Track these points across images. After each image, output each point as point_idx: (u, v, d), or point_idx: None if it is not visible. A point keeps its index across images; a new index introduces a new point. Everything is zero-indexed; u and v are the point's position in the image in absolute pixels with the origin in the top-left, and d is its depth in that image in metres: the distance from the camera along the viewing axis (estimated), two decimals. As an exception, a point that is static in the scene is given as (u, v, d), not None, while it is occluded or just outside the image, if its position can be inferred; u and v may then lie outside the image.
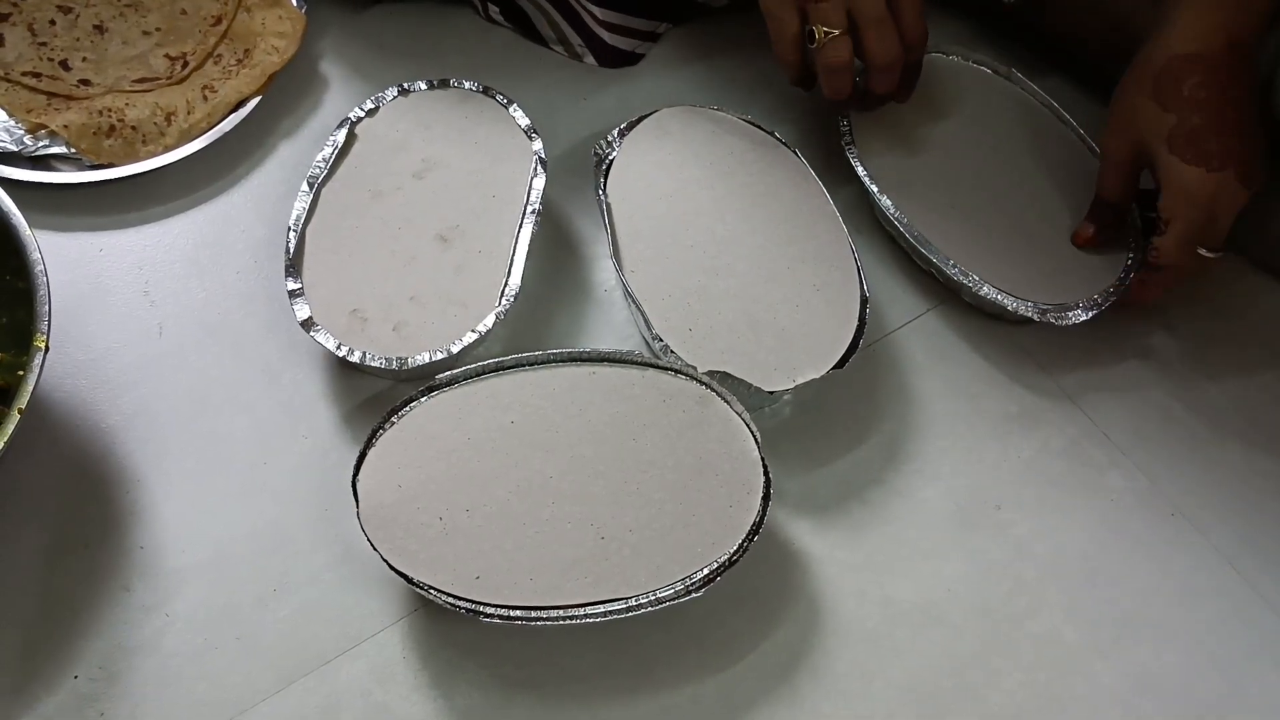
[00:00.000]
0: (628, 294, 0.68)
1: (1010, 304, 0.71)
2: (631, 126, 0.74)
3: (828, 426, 0.70)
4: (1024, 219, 0.75)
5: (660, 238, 0.70)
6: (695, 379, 0.63)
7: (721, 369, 0.64)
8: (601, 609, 0.57)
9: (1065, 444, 0.72)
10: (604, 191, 0.72)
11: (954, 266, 0.72)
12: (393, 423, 0.61)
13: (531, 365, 0.63)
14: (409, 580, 0.57)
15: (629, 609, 0.57)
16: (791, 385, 0.65)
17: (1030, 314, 0.71)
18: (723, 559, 0.59)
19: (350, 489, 0.59)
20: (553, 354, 0.63)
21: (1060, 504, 0.70)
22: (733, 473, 0.61)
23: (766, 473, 0.61)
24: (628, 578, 0.58)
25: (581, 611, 0.57)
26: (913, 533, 0.68)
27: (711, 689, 0.62)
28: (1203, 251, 0.69)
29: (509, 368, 0.63)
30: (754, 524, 0.60)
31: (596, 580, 0.58)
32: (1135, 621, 0.66)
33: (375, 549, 0.58)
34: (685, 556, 0.59)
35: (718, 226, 0.70)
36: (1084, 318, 0.71)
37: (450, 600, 0.57)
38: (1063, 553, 0.68)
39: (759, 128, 0.75)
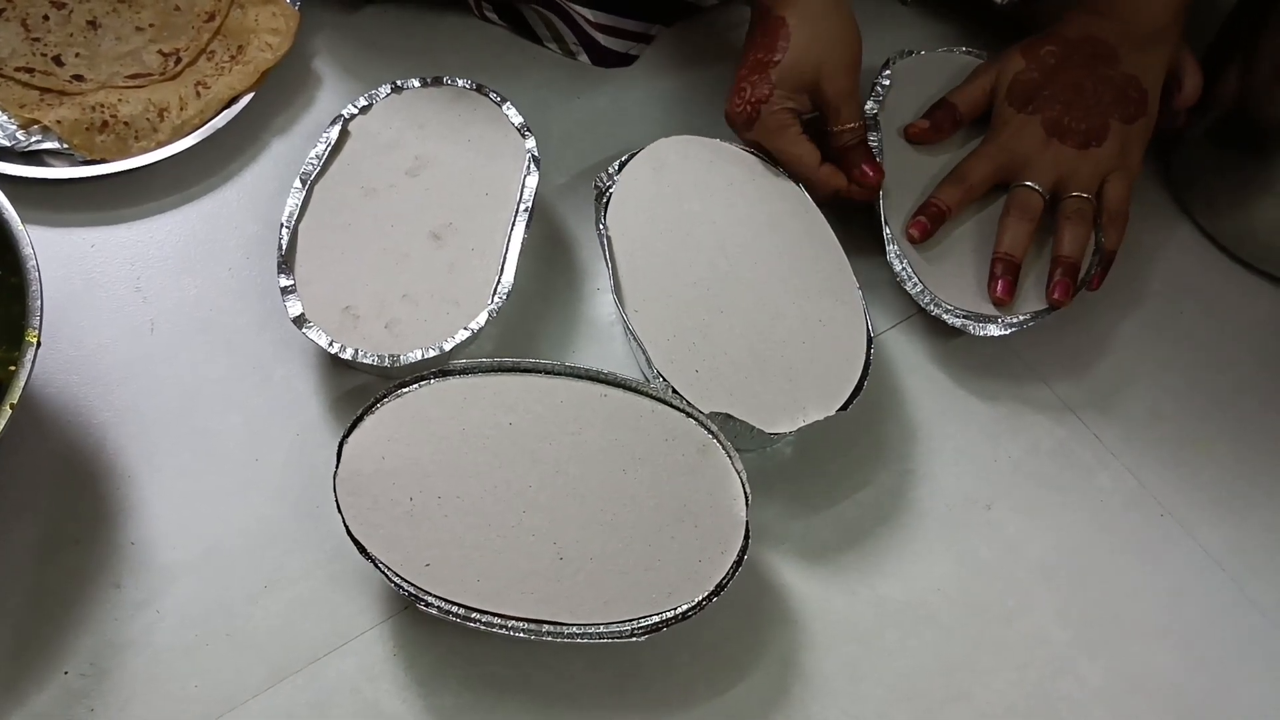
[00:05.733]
0: (629, 331, 0.67)
1: (934, 311, 0.72)
2: (630, 159, 0.73)
3: (819, 427, 0.70)
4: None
5: (662, 274, 0.69)
6: (704, 425, 0.62)
7: (725, 410, 0.63)
8: (542, 629, 0.57)
9: (1055, 445, 0.72)
10: (604, 225, 0.70)
11: (906, 269, 0.73)
12: (399, 395, 0.61)
13: (547, 373, 0.63)
14: (363, 551, 0.57)
15: (565, 635, 0.57)
16: (795, 428, 0.64)
17: (953, 322, 0.72)
18: (675, 612, 0.57)
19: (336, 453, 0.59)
20: (571, 367, 0.63)
21: (1050, 504, 0.70)
22: (713, 528, 0.59)
23: (747, 536, 0.60)
24: (573, 605, 0.57)
25: (521, 625, 0.56)
26: (903, 533, 0.68)
27: (702, 689, 0.62)
28: (1028, 184, 0.74)
29: (524, 370, 0.63)
30: (718, 584, 0.58)
31: (542, 599, 0.57)
32: (1124, 621, 0.66)
33: (340, 511, 0.58)
34: (638, 599, 0.57)
35: (720, 261, 0.69)
36: (999, 332, 0.72)
37: (396, 580, 0.57)
38: (1052, 553, 0.68)
39: (756, 155, 0.74)
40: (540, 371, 0.63)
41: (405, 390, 0.61)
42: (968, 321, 0.72)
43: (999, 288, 0.72)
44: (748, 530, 0.60)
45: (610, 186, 0.72)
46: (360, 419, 0.60)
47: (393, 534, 0.58)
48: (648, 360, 0.65)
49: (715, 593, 0.58)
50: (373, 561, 0.57)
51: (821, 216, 0.72)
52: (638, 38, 0.85)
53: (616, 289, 0.68)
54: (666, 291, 0.68)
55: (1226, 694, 0.65)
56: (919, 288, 0.72)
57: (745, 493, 0.61)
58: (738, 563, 0.59)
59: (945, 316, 0.72)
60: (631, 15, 0.83)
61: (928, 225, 0.73)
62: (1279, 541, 0.70)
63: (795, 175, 0.74)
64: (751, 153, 0.75)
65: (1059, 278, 0.72)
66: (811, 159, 0.73)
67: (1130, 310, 0.78)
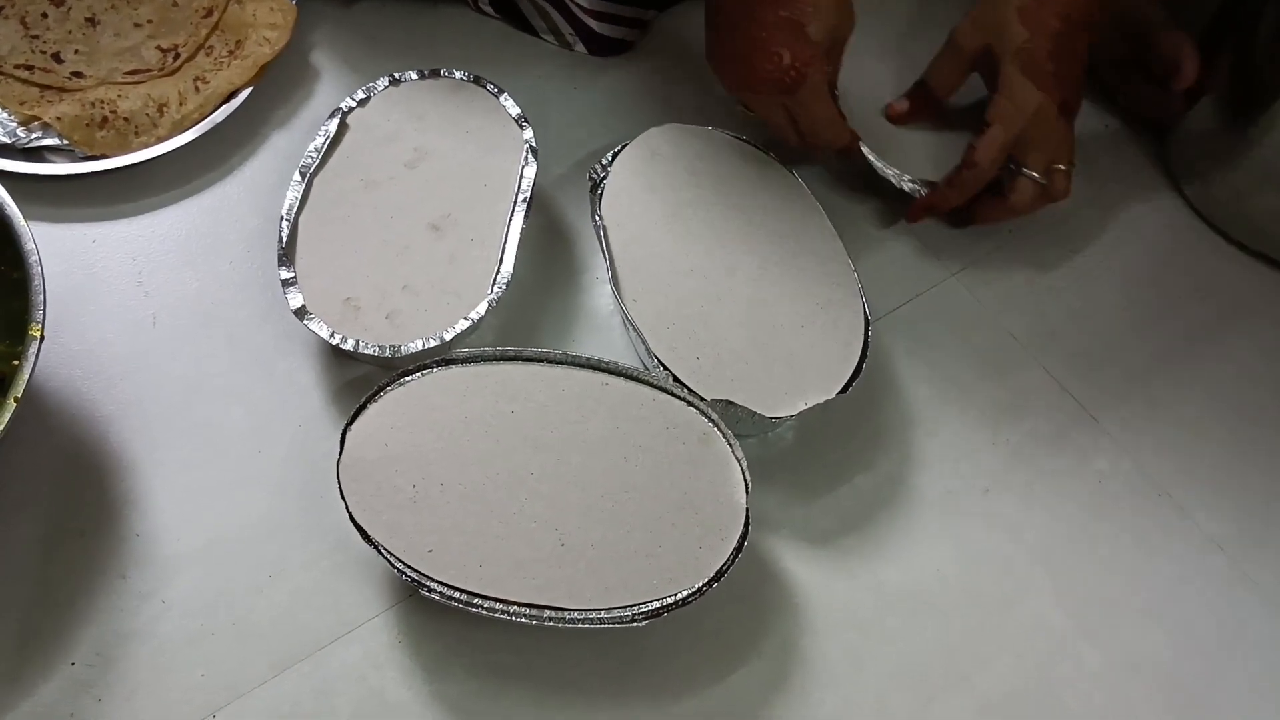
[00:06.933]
0: (628, 321, 0.67)
1: (894, 177, 0.77)
2: (621, 149, 0.73)
3: (819, 412, 0.71)
4: None
5: (659, 263, 0.69)
6: (705, 414, 0.62)
7: (727, 397, 0.63)
8: (544, 614, 0.57)
9: (1053, 429, 0.73)
10: (599, 216, 0.70)
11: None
12: (402, 384, 0.61)
13: (549, 362, 0.63)
14: (365, 537, 0.57)
15: (566, 621, 0.57)
16: (795, 412, 0.64)
17: (905, 186, 0.77)
18: (676, 598, 0.58)
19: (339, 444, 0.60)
20: (572, 356, 0.63)
21: (1048, 488, 0.70)
22: (713, 515, 0.60)
23: (747, 524, 0.60)
24: (574, 591, 0.57)
25: (524, 611, 0.57)
26: (902, 519, 0.68)
27: (704, 676, 0.63)
28: (1028, 172, 0.73)
29: (527, 359, 0.63)
30: (718, 570, 0.58)
31: (543, 585, 0.57)
32: (1123, 604, 0.67)
33: (343, 498, 0.58)
34: (638, 585, 0.58)
35: (716, 249, 0.70)
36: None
37: (398, 566, 0.57)
38: (1051, 537, 0.69)
39: (748, 143, 0.75)
40: (542, 361, 0.63)
41: (408, 379, 0.61)
42: (915, 185, 0.76)
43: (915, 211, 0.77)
44: (748, 518, 0.60)
45: (604, 178, 0.72)
46: (364, 407, 0.60)
47: (395, 520, 0.58)
48: (647, 349, 0.65)
49: (715, 579, 0.58)
50: (375, 547, 0.57)
51: (815, 202, 0.72)
52: (633, 23, 0.85)
53: (614, 279, 0.68)
54: (664, 280, 0.68)
55: (1226, 675, 0.65)
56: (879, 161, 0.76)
57: (745, 481, 0.61)
58: (738, 550, 0.59)
59: (893, 180, 0.77)
60: (625, 0, 0.83)
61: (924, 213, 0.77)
62: (1277, 523, 0.71)
63: (814, 135, 0.73)
64: (743, 140, 0.75)
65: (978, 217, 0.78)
66: (838, 115, 0.73)
67: (1126, 295, 0.79)
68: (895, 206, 0.79)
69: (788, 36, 0.66)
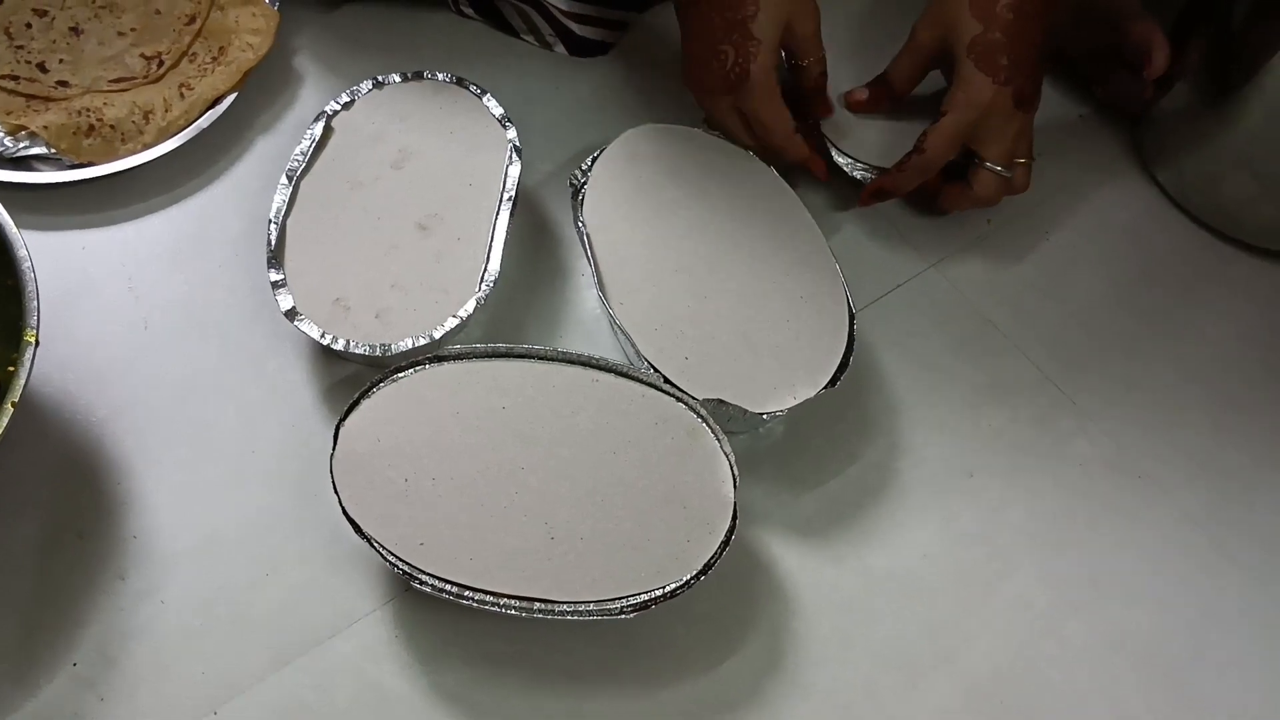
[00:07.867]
0: (616, 325, 0.67)
1: (847, 166, 0.78)
2: (600, 153, 0.74)
3: (807, 405, 0.71)
4: None
5: (644, 265, 0.69)
6: (693, 409, 0.63)
7: (717, 396, 0.64)
8: (534, 606, 0.58)
9: (1034, 413, 0.74)
10: (582, 221, 0.71)
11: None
12: (395, 379, 0.62)
13: (540, 358, 0.63)
14: (358, 530, 0.58)
15: (555, 613, 0.58)
16: (786, 408, 0.65)
17: (854, 173, 0.78)
18: (664, 590, 0.58)
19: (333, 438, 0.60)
20: (563, 352, 0.63)
21: (1030, 471, 0.72)
22: (700, 509, 0.60)
23: (734, 517, 0.61)
24: (562, 583, 0.58)
25: (513, 603, 0.58)
26: (888, 502, 0.70)
27: (697, 662, 0.63)
28: (990, 165, 0.75)
29: (519, 355, 0.63)
30: (706, 563, 0.59)
31: (532, 577, 0.58)
32: (1105, 583, 0.68)
33: (336, 491, 0.59)
34: (626, 578, 0.58)
35: (700, 247, 0.70)
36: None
37: (390, 559, 0.58)
38: (1034, 518, 0.70)
39: (726, 140, 0.76)
40: (533, 357, 0.64)
41: (401, 374, 0.62)
42: (866, 173, 0.78)
43: (865, 196, 0.78)
44: (735, 511, 0.61)
45: (584, 183, 0.73)
46: (357, 402, 0.61)
47: (387, 513, 0.59)
48: (637, 352, 0.66)
49: (702, 572, 0.59)
50: (368, 540, 0.58)
51: (796, 197, 0.73)
52: (612, 25, 0.86)
53: (600, 283, 0.68)
54: (650, 282, 0.69)
55: (1207, 650, 0.66)
56: (835, 151, 0.78)
57: (733, 475, 0.61)
58: (725, 543, 0.60)
59: (846, 168, 0.79)
60: (604, 2, 0.84)
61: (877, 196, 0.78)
62: (1256, 500, 0.72)
63: (767, 140, 0.74)
64: (721, 138, 0.76)
65: (942, 201, 0.78)
66: (790, 123, 0.74)
67: (1102, 280, 0.80)
68: (858, 191, 0.80)
69: (732, 33, 0.70)
